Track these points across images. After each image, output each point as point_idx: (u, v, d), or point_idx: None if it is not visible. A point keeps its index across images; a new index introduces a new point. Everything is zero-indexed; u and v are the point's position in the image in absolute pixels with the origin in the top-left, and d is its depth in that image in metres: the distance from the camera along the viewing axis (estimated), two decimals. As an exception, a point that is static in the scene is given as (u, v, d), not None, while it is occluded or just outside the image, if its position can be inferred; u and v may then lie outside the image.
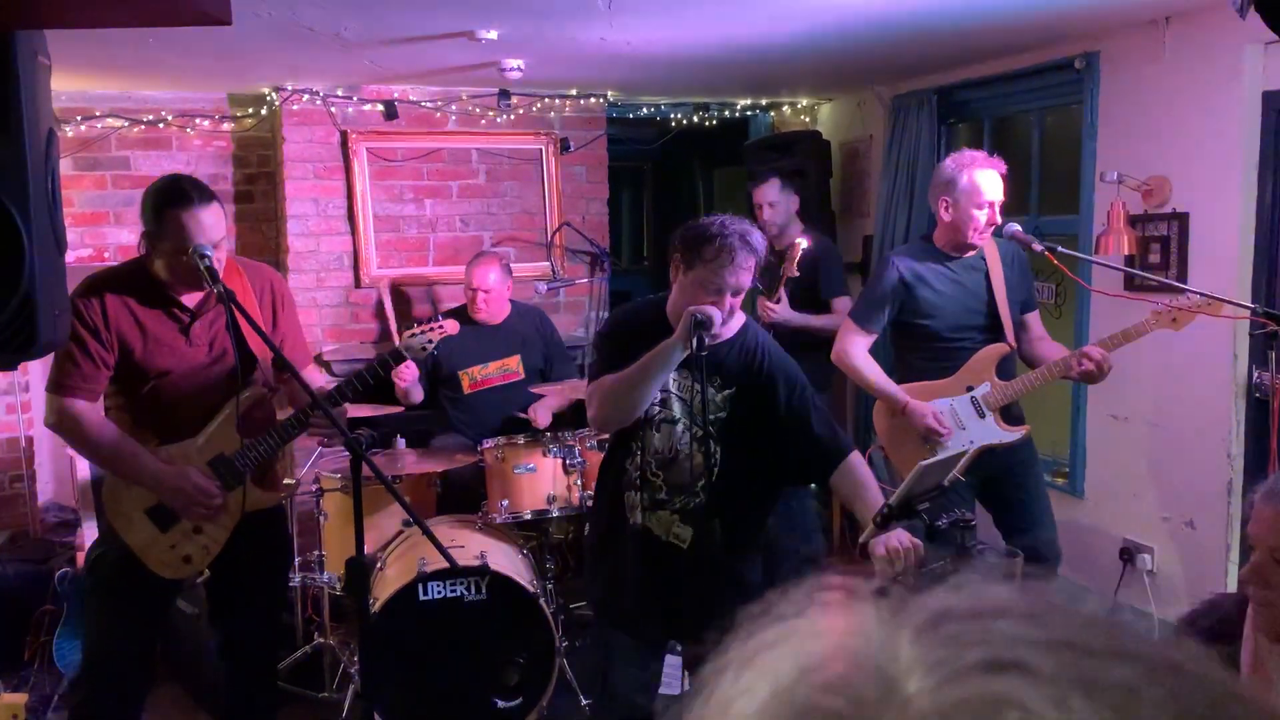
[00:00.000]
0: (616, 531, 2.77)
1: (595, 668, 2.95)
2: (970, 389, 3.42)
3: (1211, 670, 0.44)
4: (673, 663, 2.87)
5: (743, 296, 2.64)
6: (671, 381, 2.67)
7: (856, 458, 2.72)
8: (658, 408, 2.68)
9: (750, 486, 2.73)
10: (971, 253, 3.45)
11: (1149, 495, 4.13)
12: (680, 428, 2.68)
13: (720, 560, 2.64)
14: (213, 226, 2.62)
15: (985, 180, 3.33)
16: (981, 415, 3.41)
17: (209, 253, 2.61)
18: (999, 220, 3.37)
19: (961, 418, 3.41)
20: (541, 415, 4.37)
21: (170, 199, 2.61)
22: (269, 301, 2.92)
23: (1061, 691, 0.40)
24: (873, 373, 3.50)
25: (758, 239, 2.60)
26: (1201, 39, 3.75)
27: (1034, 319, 3.60)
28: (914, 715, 0.41)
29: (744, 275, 2.57)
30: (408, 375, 4.18)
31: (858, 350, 3.50)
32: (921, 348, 3.51)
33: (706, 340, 2.46)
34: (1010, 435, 3.42)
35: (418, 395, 4.45)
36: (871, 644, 0.45)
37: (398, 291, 5.29)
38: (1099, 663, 0.42)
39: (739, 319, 2.72)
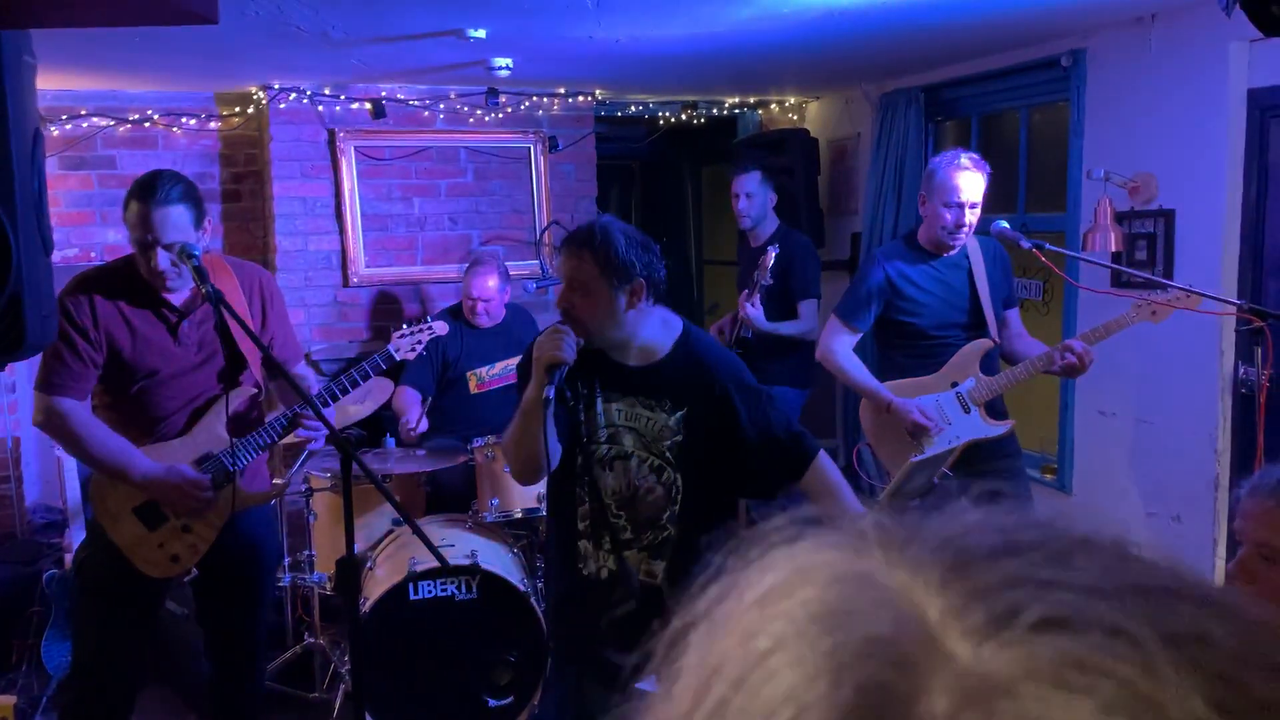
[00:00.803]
0: (575, 586, 2.56)
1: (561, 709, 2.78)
2: (955, 385, 3.45)
3: (1249, 604, 0.41)
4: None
5: (590, 297, 2.39)
6: (617, 414, 2.48)
7: (824, 459, 2.57)
8: (605, 446, 2.47)
9: (716, 507, 2.56)
10: (952, 251, 3.47)
11: (1136, 490, 4.15)
12: (635, 461, 2.48)
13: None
14: (165, 226, 2.61)
15: (958, 180, 3.32)
16: (967, 410, 3.44)
17: (197, 251, 2.61)
18: (969, 224, 3.37)
19: (947, 413, 3.43)
20: None
21: (135, 191, 2.65)
22: (258, 300, 2.92)
23: (1143, 651, 0.35)
24: (857, 371, 3.53)
25: (599, 233, 2.40)
26: (1187, 36, 3.77)
27: (1014, 315, 3.63)
28: (974, 684, 0.36)
29: (571, 268, 2.39)
30: (420, 425, 4.34)
31: (842, 348, 3.52)
32: (906, 345, 3.53)
33: (560, 378, 2.29)
34: (995, 429, 3.45)
35: (424, 426, 4.44)
36: (890, 592, 0.40)
37: (386, 290, 5.28)
38: (1160, 608, 0.38)
39: (666, 329, 2.53)
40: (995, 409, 3.50)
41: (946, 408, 3.44)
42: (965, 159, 3.36)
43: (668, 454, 2.47)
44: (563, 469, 2.51)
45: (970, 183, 3.33)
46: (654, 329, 2.51)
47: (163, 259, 2.61)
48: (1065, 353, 3.30)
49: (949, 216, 3.35)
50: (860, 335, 3.54)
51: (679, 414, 2.48)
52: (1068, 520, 0.45)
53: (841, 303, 3.61)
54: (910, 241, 3.56)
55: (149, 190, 2.62)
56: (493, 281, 4.54)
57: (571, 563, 2.55)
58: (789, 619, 0.40)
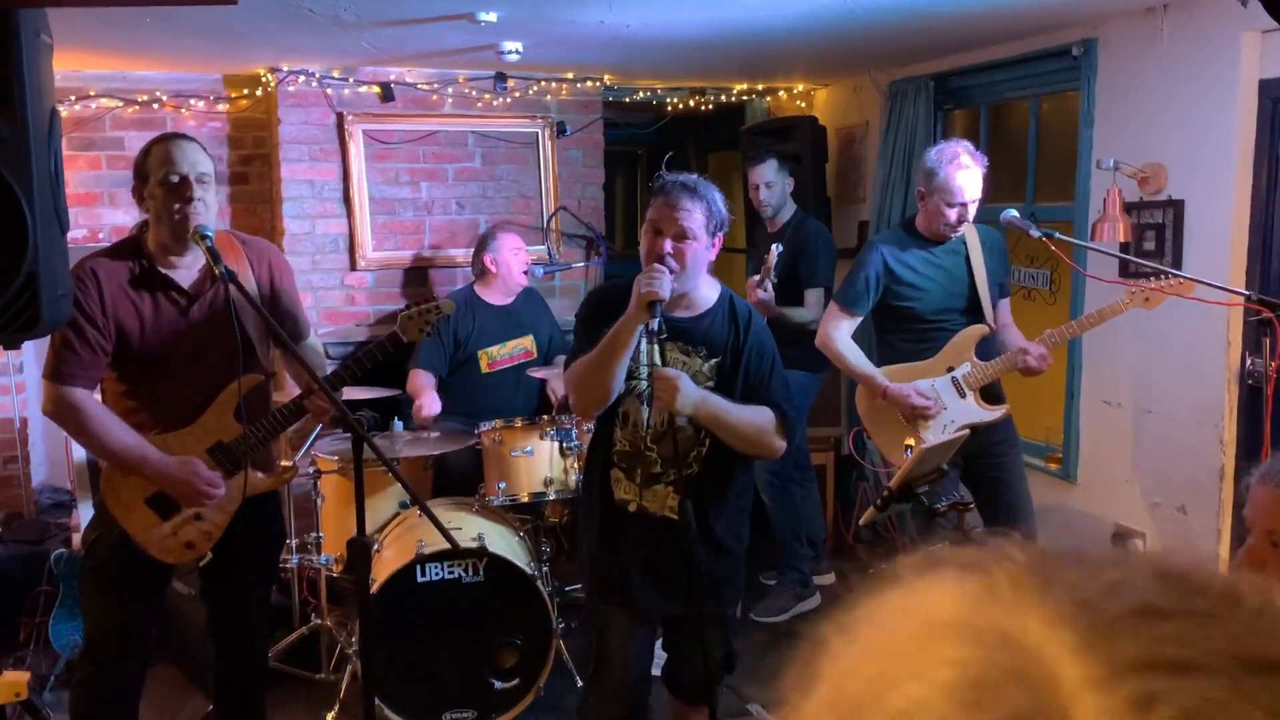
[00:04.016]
0: (608, 511, 2.76)
1: (586, 642, 2.93)
2: (951, 369, 3.51)
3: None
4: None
5: (692, 245, 2.59)
6: (659, 355, 2.63)
7: (767, 411, 2.72)
8: (646, 383, 2.66)
9: (737, 453, 2.74)
10: (950, 239, 3.54)
11: (1141, 481, 4.16)
12: None
13: (710, 528, 2.70)
14: (189, 158, 2.66)
15: (961, 180, 3.39)
16: (962, 395, 3.51)
17: (209, 233, 2.61)
18: (970, 218, 3.47)
19: (943, 397, 3.49)
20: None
21: (152, 141, 2.72)
22: (267, 277, 2.90)
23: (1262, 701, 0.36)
24: (854, 357, 3.59)
25: (703, 186, 2.62)
26: (1199, 26, 3.76)
27: (1004, 306, 3.70)
28: None
29: (683, 215, 2.56)
30: (433, 406, 4.36)
31: (840, 334, 3.59)
32: (903, 329, 3.60)
33: (660, 312, 2.47)
34: (989, 414, 3.51)
35: (437, 408, 4.45)
36: (1027, 657, 0.40)
37: (394, 274, 5.30)
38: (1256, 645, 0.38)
39: (713, 287, 2.74)
40: (991, 394, 3.56)
41: (942, 392, 3.50)
42: (965, 157, 3.40)
43: None
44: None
45: (972, 180, 3.41)
46: (708, 285, 2.73)
47: (196, 189, 2.62)
48: (1023, 356, 3.40)
49: (952, 215, 3.42)
50: (859, 321, 3.60)
51: (713, 361, 2.69)
52: (1209, 569, 0.44)
53: (840, 289, 3.67)
54: (909, 229, 3.62)
55: (171, 135, 2.73)
56: (519, 242, 4.71)
57: (608, 489, 2.74)
58: (927, 684, 0.40)
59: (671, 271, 2.54)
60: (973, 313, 3.55)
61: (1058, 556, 0.45)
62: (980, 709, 0.38)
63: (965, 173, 3.38)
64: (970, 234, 3.54)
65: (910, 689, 0.40)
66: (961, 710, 0.38)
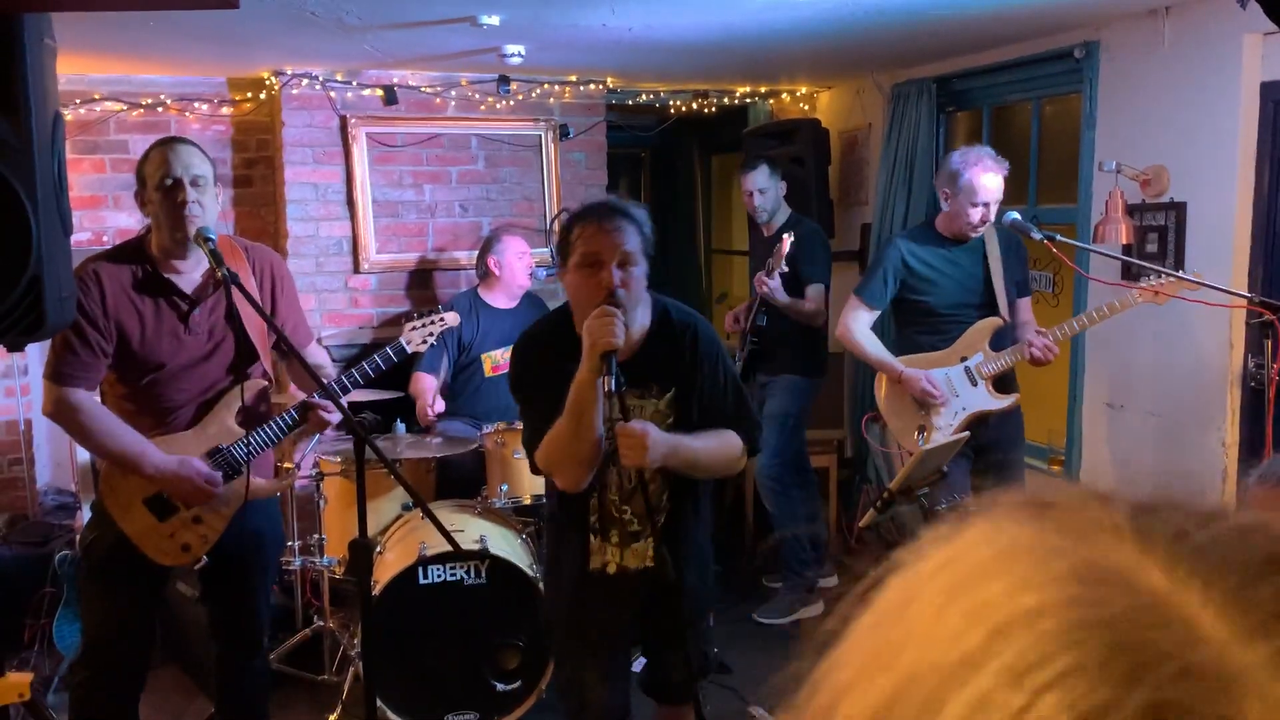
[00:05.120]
0: (584, 576, 2.56)
1: (561, 680, 2.81)
2: (964, 359, 3.70)
3: None
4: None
5: (635, 271, 2.33)
6: (622, 407, 2.37)
7: (732, 434, 2.51)
8: (607, 441, 2.37)
9: (700, 482, 2.59)
10: (970, 239, 3.70)
11: (1144, 483, 4.13)
12: None
13: (683, 567, 2.55)
14: (187, 161, 2.66)
15: (984, 182, 3.56)
16: (974, 383, 3.70)
17: (212, 235, 2.61)
18: (991, 218, 3.63)
19: (955, 385, 3.69)
20: None
21: (153, 145, 2.73)
22: (268, 283, 2.91)
23: None
24: (872, 345, 3.78)
25: (630, 205, 2.39)
26: (1201, 29, 3.76)
27: (1024, 305, 3.87)
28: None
29: (620, 237, 2.30)
30: (436, 405, 4.39)
31: (860, 325, 3.78)
32: (920, 322, 3.78)
33: (615, 362, 2.19)
34: (999, 403, 3.70)
35: (440, 407, 4.47)
36: (1159, 598, 0.35)
37: (397, 277, 5.30)
38: None
39: (645, 302, 2.45)
40: (1004, 384, 3.73)
41: (955, 380, 3.69)
42: (989, 160, 3.59)
43: None
44: None
45: (995, 183, 3.58)
46: (643, 311, 2.45)
47: (189, 192, 2.63)
48: (1028, 346, 3.58)
49: (975, 215, 3.59)
50: (878, 314, 3.80)
51: (668, 395, 2.47)
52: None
53: (860, 284, 3.89)
54: (929, 227, 3.82)
55: (168, 139, 2.75)
56: (524, 245, 4.71)
57: (583, 558, 2.53)
58: (1033, 630, 0.34)
59: (620, 307, 2.25)
60: (988, 309, 3.71)
61: (1154, 499, 0.40)
62: (1112, 632, 0.33)
63: (989, 175, 3.56)
64: (990, 235, 3.71)
65: (1003, 642, 0.34)
66: (1089, 636, 0.33)
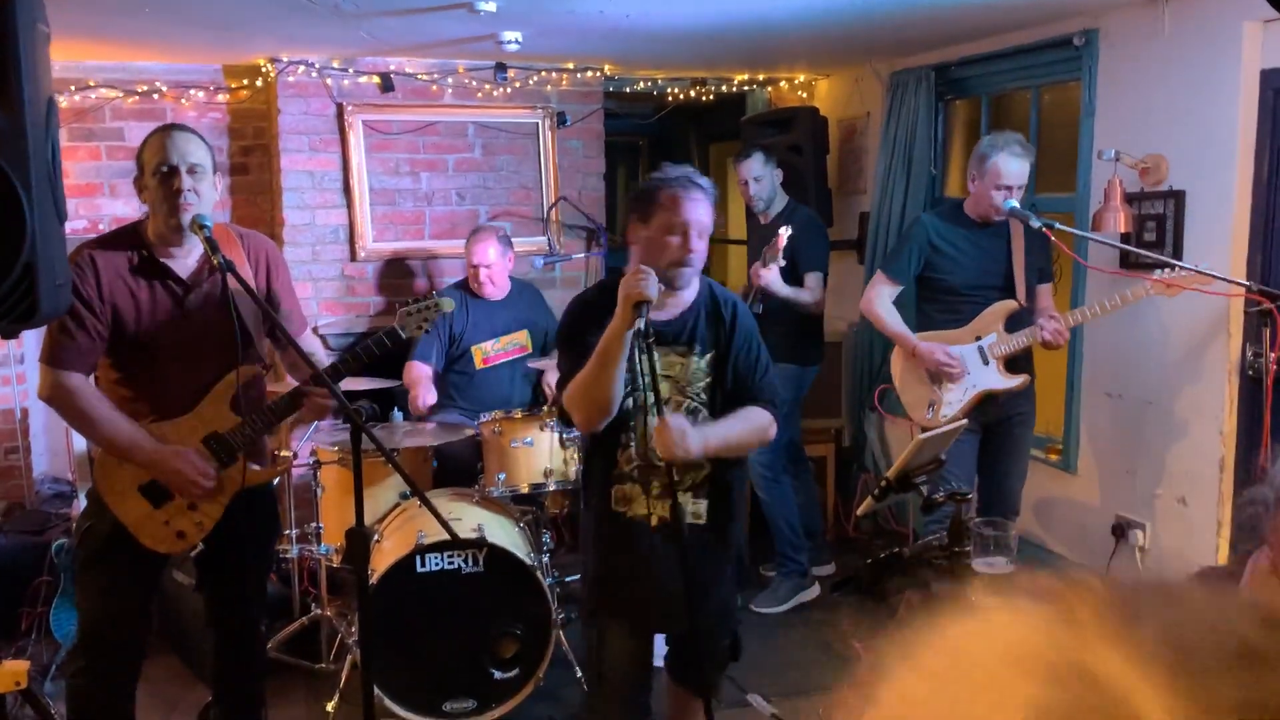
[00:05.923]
0: (619, 528, 2.69)
1: (587, 649, 2.90)
2: (979, 338, 3.79)
3: None
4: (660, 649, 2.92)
5: (707, 239, 2.60)
6: (655, 363, 2.55)
7: (759, 411, 2.70)
8: (646, 394, 2.57)
9: None
10: (995, 222, 3.79)
11: (1142, 472, 4.16)
12: (671, 407, 2.62)
13: (724, 530, 2.71)
14: (185, 149, 2.66)
15: (1008, 166, 3.65)
16: (986, 362, 3.79)
17: (208, 223, 2.61)
18: (1018, 202, 3.73)
19: (967, 363, 3.78)
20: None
21: (153, 132, 2.73)
22: (263, 270, 2.90)
23: None
24: (891, 318, 3.91)
25: (703, 178, 2.62)
26: (1200, 17, 3.75)
27: (1045, 291, 3.95)
28: None
29: (701, 209, 2.56)
30: (428, 397, 4.37)
31: (881, 299, 3.91)
32: (940, 300, 3.89)
33: (647, 313, 2.42)
34: (1009, 382, 3.80)
35: (433, 398, 4.46)
36: (1110, 697, 0.37)
37: (394, 265, 5.29)
38: None
39: (695, 283, 2.70)
40: (1016, 365, 3.81)
41: (968, 358, 3.78)
42: (1016, 145, 3.68)
43: (702, 394, 2.67)
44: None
45: (1019, 168, 3.67)
46: (696, 281, 2.69)
47: (185, 179, 2.63)
48: (1039, 330, 3.68)
49: (999, 198, 3.67)
50: (900, 289, 3.93)
51: (709, 356, 2.68)
52: None
53: (886, 259, 4.06)
54: (957, 208, 3.91)
55: (167, 126, 2.75)
56: (493, 250, 4.58)
57: (611, 505, 2.68)
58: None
59: (687, 268, 2.55)
60: (1007, 292, 3.79)
61: (1142, 589, 0.43)
62: None
63: (1018, 160, 3.65)
64: (1015, 220, 3.78)
65: None
66: None
